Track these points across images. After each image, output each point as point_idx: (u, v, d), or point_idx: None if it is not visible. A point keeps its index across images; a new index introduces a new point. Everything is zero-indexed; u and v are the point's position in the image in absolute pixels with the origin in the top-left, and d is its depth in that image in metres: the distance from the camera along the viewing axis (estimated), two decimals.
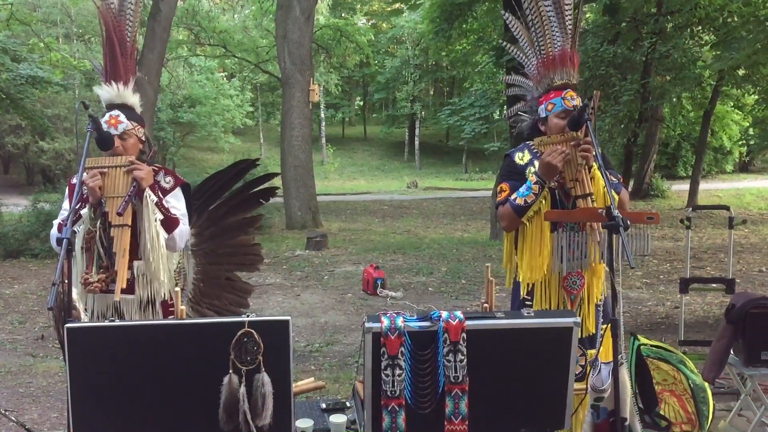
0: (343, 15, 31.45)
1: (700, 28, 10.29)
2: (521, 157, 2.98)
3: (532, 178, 2.83)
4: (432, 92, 40.26)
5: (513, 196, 2.86)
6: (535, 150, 2.95)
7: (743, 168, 26.61)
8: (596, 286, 2.91)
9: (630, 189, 17.63)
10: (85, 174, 2.63)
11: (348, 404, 2.72)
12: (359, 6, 33.19)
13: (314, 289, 8.70)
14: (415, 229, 14.80)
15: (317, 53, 24.13)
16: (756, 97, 14.24)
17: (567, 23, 2.89)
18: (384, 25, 36.37)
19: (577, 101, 2.84)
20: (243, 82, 31.52)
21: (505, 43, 3.39)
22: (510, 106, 3.37)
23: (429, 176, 30.28)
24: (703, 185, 19.18)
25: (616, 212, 2.33)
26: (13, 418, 3.00)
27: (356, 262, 10.38)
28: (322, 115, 34.78)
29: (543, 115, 2.94)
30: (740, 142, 22.98)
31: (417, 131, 35.14)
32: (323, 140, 34.07)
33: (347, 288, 8.66)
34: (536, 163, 2.89)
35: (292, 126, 14.12)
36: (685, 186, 17.94)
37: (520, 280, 2.95)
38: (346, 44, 25.75)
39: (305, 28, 14.10)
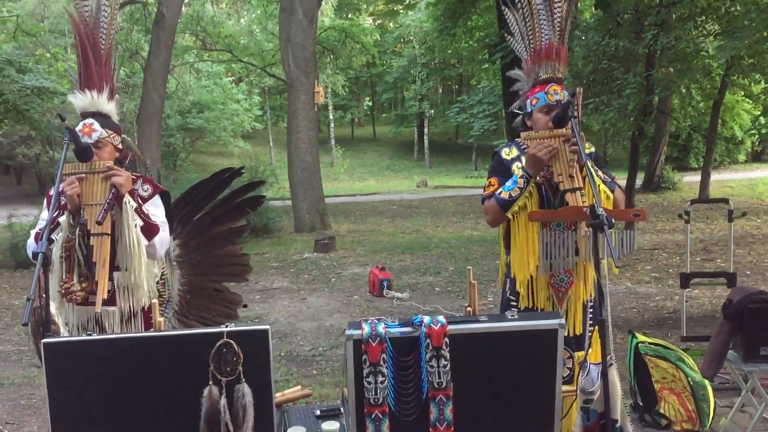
0: (348, 16, 31.45)
1: (704, 18, 10.22)
2: (508, 153, 2.98)
3: (518, 172, 2.81)
4: (440, 90, 40.18)
5: (498, 191, 2.85)
6: (522, 145, 2.93)
7: (756, 157, 26.41)
8: (584, 285, 2.88)
9: (641, 182, 17.52)
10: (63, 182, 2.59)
11: (342, 410, 2.70)
12: (364, 6, 33.15)
13: (321, 292, 8.69)
14: (424, 229, 14.75)
15: (323, 55, 24.18)
16: (764, 85, 14.08)
17: (555, 16, 2.86)
18: (390, 24, 36.31)
19: (561, 95, 2.81)
20: (250, 86, 31.62)
21: (506, 35, 3.32)
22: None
23: (439, 174, 30.22)
24: (716, 176, 19.00)
25: (600, 210, 2.30)
26: (6, 431, 3.00)
27: (364, 264, 10.35)
28: (331, 117, 34.81)
29: (528, 109, 2.93)
30: (752, 132, 22.77)
31: (426, 130, 35.10)
32: (332, 142, 34.11)
33: (354, 290, 8.64)
34: (523, 158, 2.87)
35: (298, 128, 14.11)
36: (697, 177, 17.78)
37: (512, 278, 2.92)
38: (352, 45, 25.79)
39: (308, 30, 14.09)
